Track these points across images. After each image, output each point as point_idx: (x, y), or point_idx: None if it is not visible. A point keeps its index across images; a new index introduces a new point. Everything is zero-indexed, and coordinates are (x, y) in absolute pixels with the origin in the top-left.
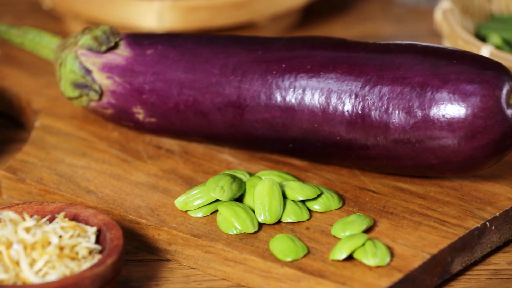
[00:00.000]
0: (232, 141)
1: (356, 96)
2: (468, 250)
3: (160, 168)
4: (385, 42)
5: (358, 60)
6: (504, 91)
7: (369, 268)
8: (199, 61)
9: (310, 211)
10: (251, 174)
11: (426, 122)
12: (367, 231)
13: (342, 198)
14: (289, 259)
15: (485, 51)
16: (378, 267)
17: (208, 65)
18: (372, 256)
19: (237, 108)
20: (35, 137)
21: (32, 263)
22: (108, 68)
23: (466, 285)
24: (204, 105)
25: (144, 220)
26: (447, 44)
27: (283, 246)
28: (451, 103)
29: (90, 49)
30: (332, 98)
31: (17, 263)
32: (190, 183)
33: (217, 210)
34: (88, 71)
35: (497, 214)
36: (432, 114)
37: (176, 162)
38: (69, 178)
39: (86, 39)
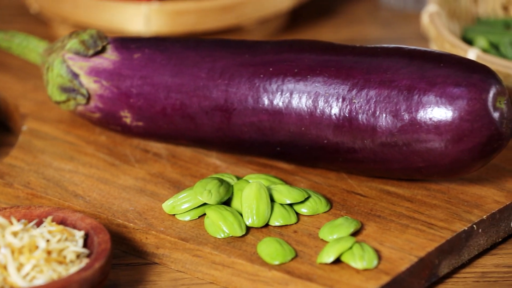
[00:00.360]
0: (220, 145)
1: (343, 99)
2: (456, 253)
3: (147, 172)
4: (372, 45)
5: (345, 63)
6: (491, 94)
7: (357, 271)
8: (186, 64)
9: (297, 214)
10: (238, 178)
11: (413, 125)
12: (354, 234)
13: (329, 201)
14: (276, 263)
15: (472, 54)
16: (365, 270)
17: (195, 68)
18: (360, 259)
19: (224, 112)
20: (22, 141)
21: (19, 267)
22: (96, 72)
23: (453, 287)
24: (191, 108)
25: (131, 224)
26: (434, 47)
27: (270, 250)
28: (438, 106)
29: (77, 53)
30: (319, 102)
31: (5, 268)
32: (177, 187)
33: (204, 214)
34: (75, 75)
35: (484, 217)
36: (419, 117)
37: (163, 166)
38: (56, 182)
39: (73, 43)
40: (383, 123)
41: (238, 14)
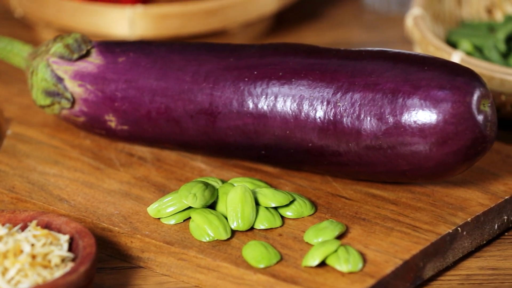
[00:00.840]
0: (205, 148)
1: (328, 102)
2: (440, 255)
3: (132, 176)
4: (357, 49)
5: (330, 67)
6: (475, 97)
7: (342, 274)
8: (171, 68)
9: (282, 217)
10: (223, 181)
11: (398, 128)
12: (339, 237)
13: (314, 204)
14: (262, 266)
15: (456, 57)
16: (350, 273)
17: (180, 72)
18: (345, 262)
19: (209, 115)
20: (7, 146)
21: (4, 271)
22: (80, 76)
23: None
24: (176, 112)
25: (116, 228)
26: (418, 50)
27: (256, 253)
28: (423, 109)
29: (61, 57)
30: (304, 105)
31: None
32: (162, 191)
33: (189, 217)
34: (59, 79)
35: (469, 219)
36: (403, 120)
37: (148, 170)
38: (41, 186)
39: (57, 47)
40: (368, 126)
41: (223, 18)
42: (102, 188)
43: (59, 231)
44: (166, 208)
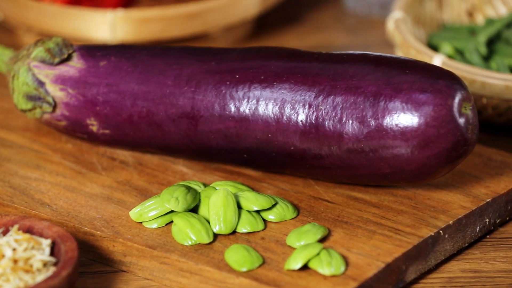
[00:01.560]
0: (187, 152)
1: (310, 106)
2: (422, 258)
3: (114, 180)
4: (338, 52)
5: (312, 70)
6: (456, 100)
7: (324, 277)
8: (152, 72)
9: (265, 221)
10: (205, 185)
11: (380, 132)
12: (322, 240)
13: (296, 208)
14: (244, 269)
15: (437, 60)
16: (333, 276)
17: (161, 76)
18: (327, 265)
19: (191, 119)
20: None
21: None
22: (61, 80)
23: None
24: (158, 116)
25: (98, 232)
26: (399, 53)
27: (238, 257)
28: (404, 112)
29: (43, 61)
30: (286, 108)
31: None
32: (144, 194)
33: (172, 221)
34: (41, 83)
35: (450, 222)
36: (385, 124)
37: (130, 174)
38: (23, 191)
39: (39, 51)
40: (350, 130)
41: (204, 22)
42: (84, 192)
43: (41, 235)
44: (148, 212)
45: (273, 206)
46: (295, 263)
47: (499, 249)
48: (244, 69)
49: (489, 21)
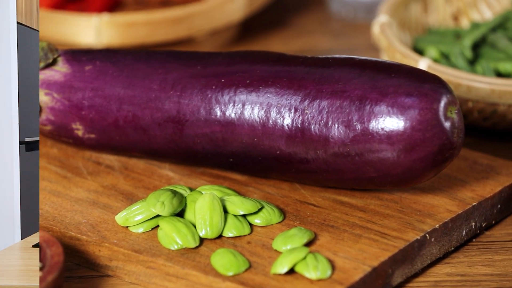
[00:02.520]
0: (173, 156)
1: (296, 110)
2: (409, 262)
3: (100, 184)
4: (324, 56)
5: (297, 74)
6: (442, 104)
7: (311, 281)
8: (138, 76)
9: (251, 225)
10: (191, 189)
11: (366, 135)
12: (308, 244)
13: (283, 212)
14: (230, 274)
15: (423, 64)
16: (319, 280)
17: (147, 80)
18: (314, 269)
19: (176, 123)
20: None
21: None
22: (47, 85)
23: None
24: (143, 120)
25: (84, 237)
26: (385, 57)
27: (224, 261)
28: (390, 116)
29: None
30: (272, 112)
31: None
32: (130, 199)
33: (158, 226)
34: None
35: (437, 226)
36: (371, 127)
37: (116, 178)
38: None
39: None
40: (336, 134)
41: (189, 26)
42: (69, 196)
43: None
44: (134, 217)
45: (259, 210)
46: (282, 267)
47: (485, 252)
48: (229, 73)
49: (475, 25)
